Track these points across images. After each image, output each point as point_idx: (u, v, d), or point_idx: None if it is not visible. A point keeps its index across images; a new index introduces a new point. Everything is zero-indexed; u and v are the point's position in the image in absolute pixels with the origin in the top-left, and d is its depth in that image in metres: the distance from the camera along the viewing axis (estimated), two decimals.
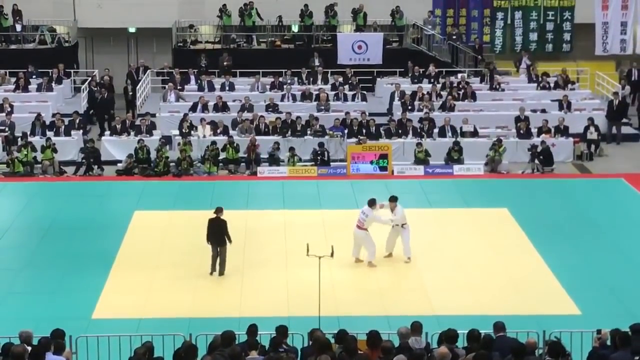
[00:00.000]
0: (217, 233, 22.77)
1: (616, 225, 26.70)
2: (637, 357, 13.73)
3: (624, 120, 36.78)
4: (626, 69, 40.44)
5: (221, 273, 22.83)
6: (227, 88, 37.81)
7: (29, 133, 33.06)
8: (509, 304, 21.17)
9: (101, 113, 36.62)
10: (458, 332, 14.51)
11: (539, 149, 32.37)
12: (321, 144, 32.83)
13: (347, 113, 34.70)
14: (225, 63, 39.80)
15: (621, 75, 40.27)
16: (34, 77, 38.70)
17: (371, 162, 31.94)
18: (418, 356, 13.29)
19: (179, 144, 32.80)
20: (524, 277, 22.89)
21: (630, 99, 38.62)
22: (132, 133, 33.72)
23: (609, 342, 14.80)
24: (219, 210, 22.98)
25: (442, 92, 37.07)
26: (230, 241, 22.84)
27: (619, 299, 21.54)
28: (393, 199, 23.81)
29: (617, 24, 39.59)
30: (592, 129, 34.26)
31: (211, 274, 22.80)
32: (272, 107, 35.84)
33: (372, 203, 23.41)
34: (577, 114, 35.86)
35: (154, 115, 35.17)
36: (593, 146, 34.21)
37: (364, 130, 33.74)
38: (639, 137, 36.58)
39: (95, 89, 37.14)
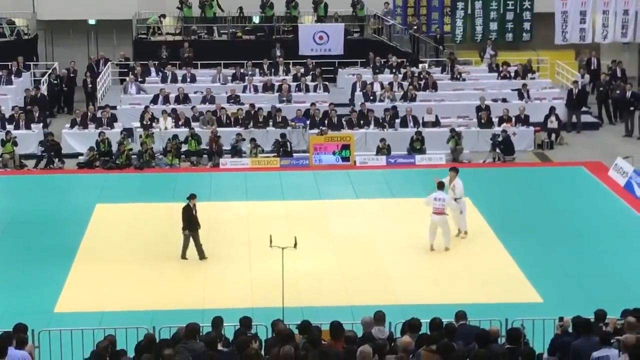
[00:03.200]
0: (184, 219, 23.38)
1: (577, 213, 26.91)
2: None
3: (584, 108, 37.01)
4: (585, 58, 40.64)
5: (182, 256, 23.40)
6: (188, 80, 37.65)
7: None
8: (471, 292, 21.29)
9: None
10: (421, 321, 14.58)
11: (500, 138, 32.52)
12: (283, 135, 32.78)
13: (312, 104, 34.61)
14: (186, 55, 39.65)
15: (581, 64, 40.46)
16: None
17: (333, 153, 31.94)
18: (381, 346, 13.34)
19: (140, 136, 32.67)
20: (486, 266, 23.03)
21: (589, 88, 38.80)
22: (93, 125, 33.54)
23: (570, 329, 14.92)
24: (190, 197, 23.54)
25: (403, 82, 37.11)
26: (199, 227, 23.46)
27: (580, 286, 21.73)
28: (454, 170, 24.31)
29: (576, 13, 39.70)
30: (552, 117, 34.47)
31: (201, 259, 23.39)
32: (233, 99, 35.74)
33: (441, 186, 23.69)
34: (538, 103, 36.05)
35: (114, 108, 34.96)
36: (553, 135, 34.41)
37: (326, 121, 33.75)
38: (598, 125, 36.84)
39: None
